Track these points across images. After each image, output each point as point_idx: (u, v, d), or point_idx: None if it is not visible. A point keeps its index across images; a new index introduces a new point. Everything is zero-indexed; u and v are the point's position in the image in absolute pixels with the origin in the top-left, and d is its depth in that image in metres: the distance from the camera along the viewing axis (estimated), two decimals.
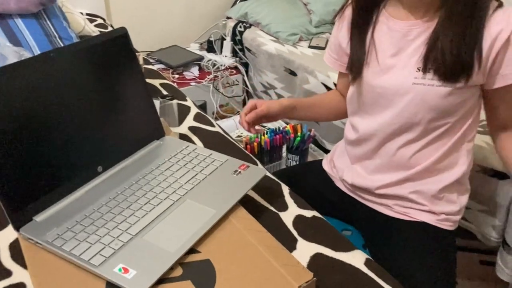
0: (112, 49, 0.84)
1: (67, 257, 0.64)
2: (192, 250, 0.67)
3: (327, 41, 2.15)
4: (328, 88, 1.86)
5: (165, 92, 1.29)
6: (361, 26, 0.96)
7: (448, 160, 0.94)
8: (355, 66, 0.97)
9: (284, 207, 0.86)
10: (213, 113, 2.18)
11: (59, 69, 0.75)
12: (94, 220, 0.71)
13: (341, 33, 1.02)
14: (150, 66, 1.50)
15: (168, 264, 0.63)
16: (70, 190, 0.76)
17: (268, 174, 0.93)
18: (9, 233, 0.77)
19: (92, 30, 1.58)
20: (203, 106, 2.16)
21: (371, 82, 0.94)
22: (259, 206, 0.86)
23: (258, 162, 1.00)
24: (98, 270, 0.62)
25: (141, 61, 1.29)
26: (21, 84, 0.69)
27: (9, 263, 0.72)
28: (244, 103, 2.36)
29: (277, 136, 1.73)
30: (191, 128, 1.12)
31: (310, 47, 2.10)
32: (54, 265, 0.64)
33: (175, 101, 1.21)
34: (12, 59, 1.12)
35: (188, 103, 1.26)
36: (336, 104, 1.14)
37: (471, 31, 0.82)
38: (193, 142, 1.04)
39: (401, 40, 0.90)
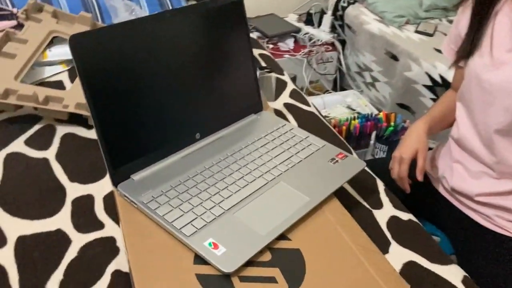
0: (225, 15, 0.81)
1: (160, 221, 0.64)
2: (282, 236, 0.65)
3: (436, 27, 1.98)
4: (432, 79, 1.72)
5: (263, 64, 1.26)
6: (482, 16, 0.85)
7: None
8: (466, 51, 0.89)
9: (379, 205, 0.81)
10: (302, 89, 2.12)
11: (172, 30, 0.73)
12: (188, 188, 0.70)
13: (461, 22, 0.92)
14: None
15: (259, 247, 0.61)
16: (168, 153, 0.75)
17: (366, 168, 0.87)
18: (104, 185, 0.79)
19: None
20: (293, 80, 2.10)
21: (480, 76, 0.85)
22: (352, 199, 0.81)
23: (352, 151, 0.95)
24: (189, 241, 0.61)
25: None
26: (134, 42, 0.69)
27: (103, 216, 0.74)
28: (335, 82, 2.27)
29: (368, 123, 1.64)
30: (286, 105, 1.08)
31: (416, 32, 1.95)
32: (146, 227, 0.64)
33: (273, 74, 1.18)
34: (122, 12, 1.14)
35: (285, 77, 1.22)
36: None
37: None
38: (287, 120, 1.01)
39: None
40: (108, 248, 0.68)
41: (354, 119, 1.65)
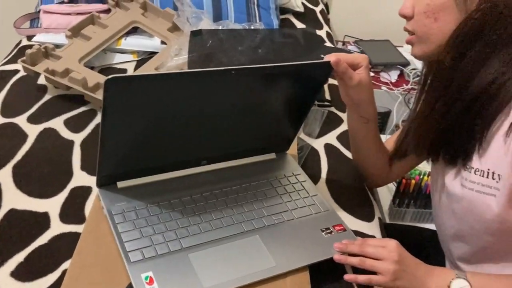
0: (302, 78, 0.72)
1: (115, 236, 0.64)
2: None
3: None
4: None
5: (327, 96, 1.18)
6: None
7: None
8: None
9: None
10: (396, 127, 1.97)
11: (229, 88, 0.66)
12: (161, 212, 0.69)
13: None
14: None
15: None
16: (163, 169, 0.75)
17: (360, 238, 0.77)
18: None
19: (297, 4, 1.52)
20: (387, 114, 1.96)
21: None
22: (335, 275, 0.72)
23: (377, 215, 0.84)
24: (129, 267, 0.60)
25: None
26: (168, 96, 0.62)
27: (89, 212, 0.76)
28: None
29: None
30: (327, 147, 0.99)
31: None
32: (104, 236, 0.65)
33: (326, 110, 1.10)
34: (187, 13, 1.14)
35: (343, 115, 1.13)
36: (385, 160, 0.87)
37: None
38: (318, 162, 0.93)
39: None
40: (74, 245, 0.70)
41: (428, 175, 1.48)
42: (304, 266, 0.65)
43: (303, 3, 1.59)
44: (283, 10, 1.48)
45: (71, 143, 0.89)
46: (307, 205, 0.75)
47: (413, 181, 1.45)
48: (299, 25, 1.49)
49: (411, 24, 0.71)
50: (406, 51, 2.09)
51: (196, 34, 0.95)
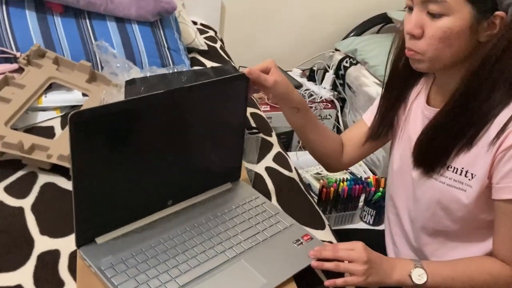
0: (228, 91, 0.81)
1: None
2: None
3: None
4: None
5: (253, 123, 1.28)
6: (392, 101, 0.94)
7: None
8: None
9: None
10: (298, 142, 2.15)
11: (170, 107, 0.74)
12: (149, 258, 0.71)
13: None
14: None
15: None
16: (136, 217, 0.77)
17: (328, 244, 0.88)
18: (72, 241, 0.80)
19: (201, 43, 1.62)
20: (291, 133, 2.13)
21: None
22: (316, 279, 0.81)
23: (326, 222, 0.95)
24: None
25: None
26: (126, 121, 0.69)
27: (65, 274, 0.74)
28: None
29: (357, 186, 1.65)
30: (268, 169, 1.09)
31: None
32: None
33: (260, 136, 1.20)
34: (113, 64, 1.18)
35: (273, 139, 1.24)
36: (334, 147, 1.00)
37: None
38: (265, 185, 1.02)
39: None
40: None
41: (343, 181, 1.66)
42: (290, 277, 0.73)
43: (208, 43, 1.69)
44: (189, 49, 1.56)
45: (20, 210, 0.85)
46: (274, 223, 0.83)
47: (331, 189, 1.62)
48: (207, 62, 1.58)
49: (420, 46, 0.74)
50: (295, 74, 2.31)
51: (130, 83, 0.98)
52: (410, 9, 0.75)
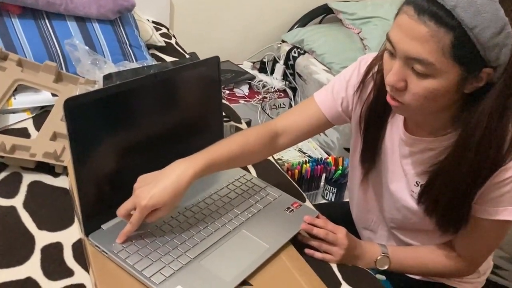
0: (202, 75, 0.89)
1: (130, 270, 0.69)
2: (244, 282, 0.71)
3: None
4: None
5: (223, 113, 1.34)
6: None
7: None
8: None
9: None
10: None
11: (154, 89, 0.81)
12: (156, 237, 0.75)
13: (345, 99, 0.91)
14: None
15: None
16: None
17: (321, 215, 0.95)
18: (73, 233, 0.82)
19: (158, 40, 1.65)
20: (248, 124, 2.20)
21: None
22: (306, 243, 0.89)
23: (306, 197, 1.03)
24: None
25: None
26: (119, 105, 0.76)
27: (72, 263, 0.77)
28: None
29: (319, 167, 1.75)
30: None
31: None
32: (117, 275, 0.69)
33: (232, 123, 1.26)
34: (87, 64, 1.19)
35: (243, 126, 1.30)
36: (261, 150, 0.89)
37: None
38: (246, 168, 1.08)
39: None
40: None
41: (305, 163, 1.76)
42: (288, 241, 0.80)
43: (164, 40, 1.71)
44: (147, 46, 1.58)
45: (12, 209, 0.85)
46: (264, 195, 0.89)
47: (296, 171, 1.71)
48: (167, 57, 1.60)
49: (404, 98, 0.71)
50: (246, 67, 2.37)
51: (107, 78, 1.00)
52: (392, 54, 0.71)
